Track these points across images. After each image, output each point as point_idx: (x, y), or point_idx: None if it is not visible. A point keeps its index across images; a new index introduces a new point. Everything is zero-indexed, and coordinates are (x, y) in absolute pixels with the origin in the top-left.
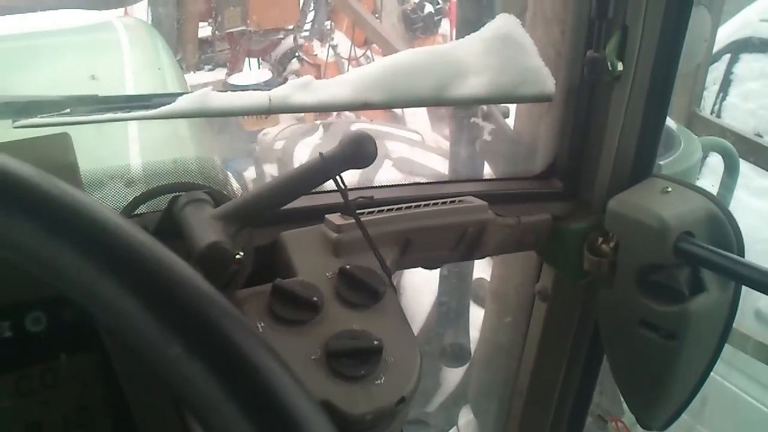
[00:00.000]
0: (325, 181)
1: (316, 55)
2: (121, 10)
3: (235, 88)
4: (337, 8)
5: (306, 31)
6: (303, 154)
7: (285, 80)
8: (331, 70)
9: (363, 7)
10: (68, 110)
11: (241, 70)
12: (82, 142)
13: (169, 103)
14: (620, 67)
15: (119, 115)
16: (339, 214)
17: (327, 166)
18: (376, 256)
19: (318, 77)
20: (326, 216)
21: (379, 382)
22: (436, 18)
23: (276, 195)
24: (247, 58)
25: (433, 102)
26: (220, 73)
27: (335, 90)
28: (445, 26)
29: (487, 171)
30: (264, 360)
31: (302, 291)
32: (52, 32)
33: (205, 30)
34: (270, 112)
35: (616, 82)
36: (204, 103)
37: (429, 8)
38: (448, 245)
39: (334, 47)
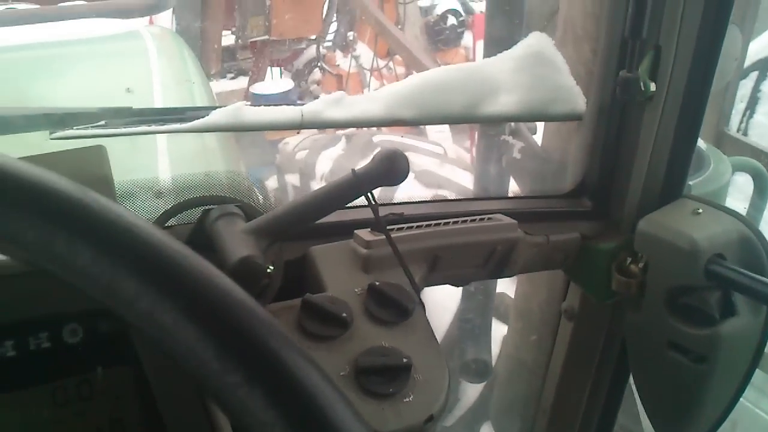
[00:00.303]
0: (357, 197)
1: (338, 65)
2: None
3: (262, 99)
4: (361, 19)
5: (329, 41)
6: (325, 164)
7: (307, 90)
8: (353, 81)
9: (387, 19)
10: (103, 122)
11: (263, 79)
12: (113, 153)
13: (202, 117)
14: (653, 87)
15: (153, 128)
16: (368, 230)
17: (359, 183)
18: (406, 273)
19: (339, 87)
20: (355, 231)
21: (407, 400)
22: (458, 30)
23: (308, 210)
24: (269, 67)
25: (464, 119)
26: (242, 82)
27: (367, 106)
28: (468, 39)
29: (513, 187)
30: (320, 385)
31: (332, 307)
32: (79, 41)
33: (228, 38)
34: (302, 127)
35: (648, 101)
36: (237, 118)
37: (452, 20)
38: (477, 263)
39: (357, 58)
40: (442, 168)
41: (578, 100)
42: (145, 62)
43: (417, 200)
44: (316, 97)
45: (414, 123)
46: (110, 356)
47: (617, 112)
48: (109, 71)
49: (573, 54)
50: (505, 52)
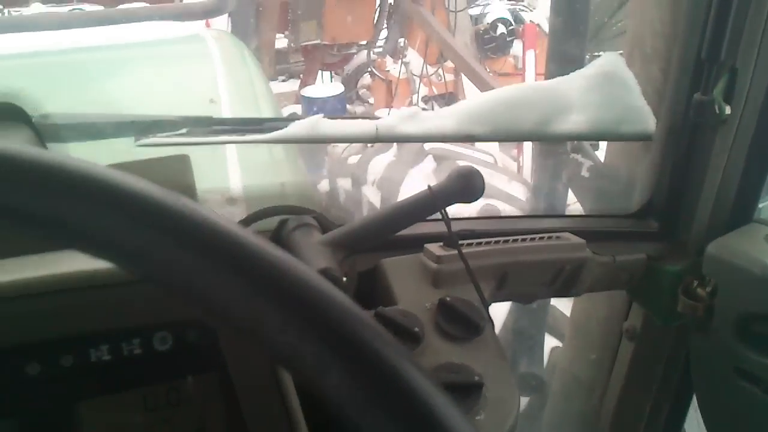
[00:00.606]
0: (432, 213)
1: (388, 71)
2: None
3: (313, 102)
4: (413, 26)
5: (379, 47)
6: (377, 170)
7: (356, 94)
8: (402, 87)
9: (440, 25)
10: (185, 130)
11: (314, 83)
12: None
13: (281, 128)
14: (728, 110)
15: (234, 137)
16: (439, 244)
17: (434, 199)
18: (477, 290)
19: (389, 93)
20: (426, 246)
21: (479, 418)
22: (507, 39)
23: (384, 225)
24: (320, 71)
25: (535, 137)
26: (293, 85)
27: (440, 122)
28: (517, 48)
29: (572, 202)
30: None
31: (404, 320)
32: (142, 44)
33: (280, 41)
34: (377, 140)
35: (721, 123)
36: (315, 130)
37: (501, 29)
38: (544, 281)
39: (407, 64)
40: (492, 177)
41: (648, 121)
42: (209, 65)
43: (484, 216)
44: (365, 101)
45: (486, 139)
46: (198, 364)
47: (688, 133)
48: (175, 74)
49: (641, 73)
50: (577, 71)
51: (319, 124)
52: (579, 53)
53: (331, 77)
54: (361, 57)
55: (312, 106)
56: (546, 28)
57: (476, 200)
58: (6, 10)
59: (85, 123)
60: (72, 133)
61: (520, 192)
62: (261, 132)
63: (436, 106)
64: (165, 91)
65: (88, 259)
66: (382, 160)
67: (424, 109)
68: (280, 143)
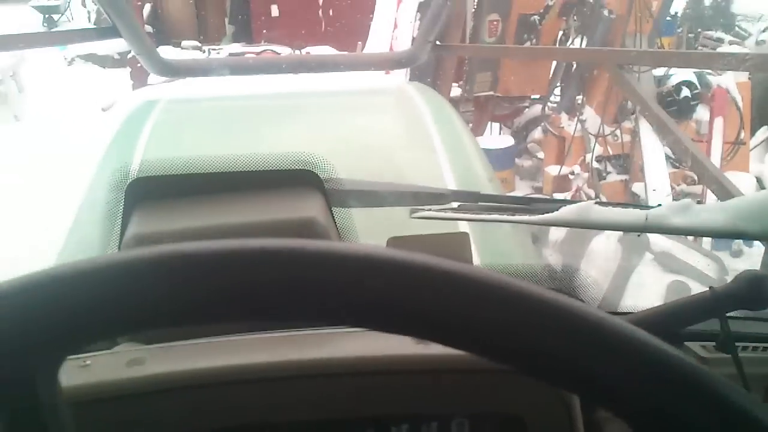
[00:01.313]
0: (711, 317)
1: (562, 127)
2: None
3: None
4: (592, 84)
5: (553, 102)
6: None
7: (525, 147)
8: (576, 144)
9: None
10: (456, 205)
11: (482, 133)
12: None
13: (549, 210)
14: None
15: (503, 216)
16: (702, 343)
17: (717, 302)
18: None
19: (561, 149)
20: (686, 344)
21: None
22: (691, 103)
23: (671, 320)
24: (489, 122)
25: None
26: None
27: (712, 215)
28: (701, 113)
29: None
30: None
31: None
32: (354, 92)
33: (454, 90)
34: (645, 230)
35: None
36: (584, 215)
37: (685, 92)
38: None
39: (583, 122)
40: (686, 253)
41: None
42: (420, 118)
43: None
44: (534, 155)
45: (758, 238)
46: None
47: None
48: (393, 125)
49: None
50: None
51: (590, 209)
52: None
53: (500, 129)
54: (534, 111)
55: None
56: (735, 93)
57: (764, 309)
58: (206, 48)
59: (368, 191)
60: (354, 200)
61: (711, 269)
62: (529, 212)
63: (609, 167)
64: (388, 144)
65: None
66: (602, 247)
67: (596, 168)
68: (549, 225)
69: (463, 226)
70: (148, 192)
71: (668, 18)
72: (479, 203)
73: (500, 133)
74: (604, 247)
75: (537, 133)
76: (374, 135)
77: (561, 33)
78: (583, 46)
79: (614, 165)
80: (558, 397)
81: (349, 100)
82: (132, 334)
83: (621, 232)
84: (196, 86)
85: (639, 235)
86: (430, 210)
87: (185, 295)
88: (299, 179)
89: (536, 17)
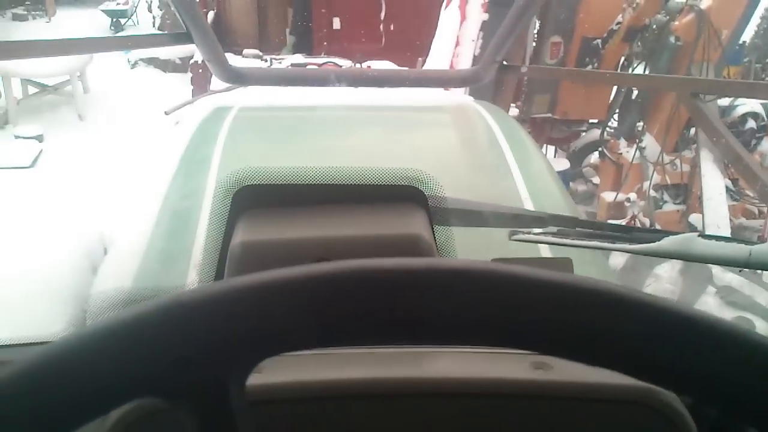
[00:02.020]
0: None
1: (620, 153)
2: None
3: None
4: (654, 111)
5: (611, 127)
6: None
7: (580, 172)
8: (633, 172)
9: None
10: (555, 229)
11: None
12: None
13: (650, 240)
14: None
15: (605, 244)
16: None
17: None
18: None
19: (618, 175)
20: None
21: None
22: (757, 135)
23: None
24: (544, 145)
25: None
26: None
27: None
28: (766, 145)
29: None
30: None
31: None
32: (424, 107)
33: (511, 111)
34: (748, 266)
35: None
36: (686, 247)
37: (751, 124)
38: None
39: (642, 149)
40: (751, 288)
41: None
42: (491, 137)
43: None
44: (588, 180)
45: None
46: None
47: None
48: (462, 143)
49: None
50: None
51: (693, 242)
52: None
53: (555, 152)
54: (592, 135)
55: None
56: None
57: None
58: (268, 58)
59: (470, 210)
60: (456, 219)
61: None
62: (629, 241)
63: (666, 196)
64: (462, 162)
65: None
66: (664, 274)
67: (653, 196)
68: (646, 255)
69: (558, 251)
70: (253, 200)
71: (736, 47)
72: (577, 229)
73: (555, 156)
74: (667, 274)
75: (593, 158)
76: (447, 152)
77: (623, 58)
78: (646, 72)
79: (671, 194)
80: (672, 426)
81: (419, 115)
82: (320, 347)
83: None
84: (257, 95)
85: (740, 271)
86: (529, 233)
87: (378, 314)
88: (404, 194)
89: (599, 41)
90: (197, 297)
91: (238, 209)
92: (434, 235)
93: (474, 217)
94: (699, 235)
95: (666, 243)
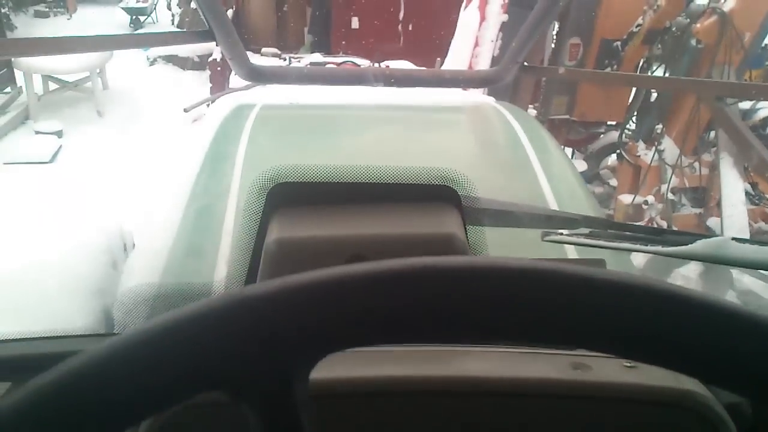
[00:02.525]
0: None
1: (638, 156)
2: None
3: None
4: (673, 114)
5: (630, 130)
6: None
7: (598, 174)
8: (651, 174)
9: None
10: (587, 231)
11: None
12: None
13: (684, 243)
14: None
15: (633, 246)
16: None
17: None
18: None
19: (635, 178)
20: None
21: None
22: None
23: None
24: (563, 146)
25: None
26: None
27: None
28: None
29: None
30: None
31: None
32: (447, 108)
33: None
34: None
35: None
36: (721, 250)
37: None
38: None
39: (660, 152)
40: None
41: None
42: (515, 137)
43: None
44: (605, 182)
45: None
46: None
47: None
48: (485, 143)
49: None
50: None
51: (726, 245)
52: None
53: (573, 154)
54: (610, 137)
55: None
56: None
57: None
58: (287, 56)
59: (503, 210)
60: (489, 219)
61: None
62: (661, 243)
63: (684, 199)
64: (486, 161)
65: None
66: (683, 276)
67: (671, 199)
68: (680, 258)
69: (587, 253)
70: (287, 198)
71: (759, 50)
72: (609, 231)
73: (573, 158)
74: (685, 276)
75: (611, 160)
76: (471, 152)
77: (643, 60)
78: (666, 75)
79: (689, 198)
80: (711, 427)
81: (440, 115)
82: (385, 343)
83: (702, 264)
84: (275, 93)
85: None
86: (561, 234)
87: (443, 312)
88: (438, 194)
89: (619, 43)
90: (265, 291)
91: (272, 206)
92: (467, 234)
93: (506, 217)
94: (732, 239)
95: (699, 246)
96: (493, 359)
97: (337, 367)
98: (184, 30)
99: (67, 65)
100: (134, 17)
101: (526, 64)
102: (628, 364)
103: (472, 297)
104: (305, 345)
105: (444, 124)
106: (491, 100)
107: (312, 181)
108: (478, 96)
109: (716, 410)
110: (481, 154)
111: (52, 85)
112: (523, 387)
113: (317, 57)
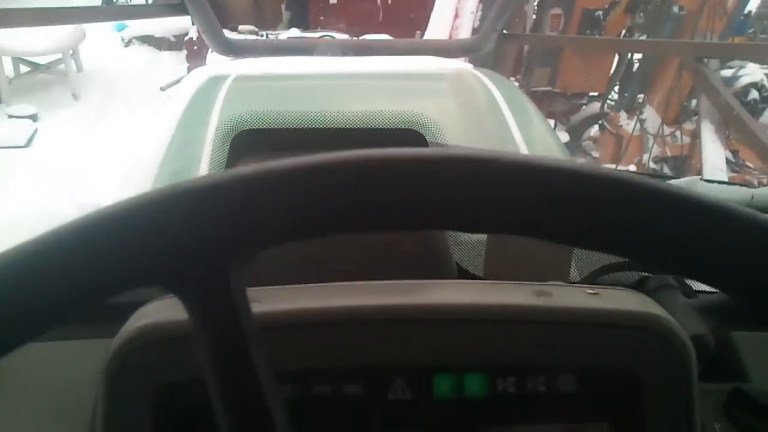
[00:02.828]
0: None
1: (620, 125)
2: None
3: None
4: (654, 83)
5: (612, 100)
6: None
7: (580, 146)
8: (633, 144)
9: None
10: None
11: None
12: None
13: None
14: None
15: None
16: None
17: None
18: None
19: (617, 148)
20: None
21: None
22: (759, 106)
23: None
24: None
25: None
26: None
27: None
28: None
29: None
30: None
31: (765, 401)
32: (423, 75)
33: None
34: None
35: None
36: (690, 189)
37: (754, 94)
38: None
39: (642, 121)
40: None
41: None
42: (493, 103)
43: None
44: (588, 154)
45: None
46: (599, 412)
47: None
48: (467, 109)
49: None
50: None
51: (695, 185)
52: None
53: (555, 125)
54: (592, 108)
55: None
56: None
57: None
58: (264, 33)
59: None
60: None
61: None
62: None
63: (666, 168)
64: (464, 127)
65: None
66: None
67: (654, 169)
68: None
69: None
70: (252, 145)
71: (741, 17)
72: None
73: (555, 129)
74: None
75: (593, 131)
76: (448, 117)
77: (625, 30)
78: None
79: (671, 166)
80: (674, 353)
81: (419, 82)
82: (325, 236)
83: None
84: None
85: None
86: None
87: (377, 201)
88: (404, 139)
89: (600, 12)
90: (198, 185)
91: (235, 155)
92: None
93: None
94: (701, 179)
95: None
96: (455, 289)
97: (296, 300)
98: (158, 3)
99: (39, 47)
100: None
101: (505, 32)
102: (591, 291)
103: (419, 183)
104: (241, 237)
105: (422, 91)
106: (470, 66)
107: (276, 127)
108: (457, 62)
109: (680, 336)
110: (459, 118)
111: (23, 68)
112: (485, 313)
113: (295, 33)
